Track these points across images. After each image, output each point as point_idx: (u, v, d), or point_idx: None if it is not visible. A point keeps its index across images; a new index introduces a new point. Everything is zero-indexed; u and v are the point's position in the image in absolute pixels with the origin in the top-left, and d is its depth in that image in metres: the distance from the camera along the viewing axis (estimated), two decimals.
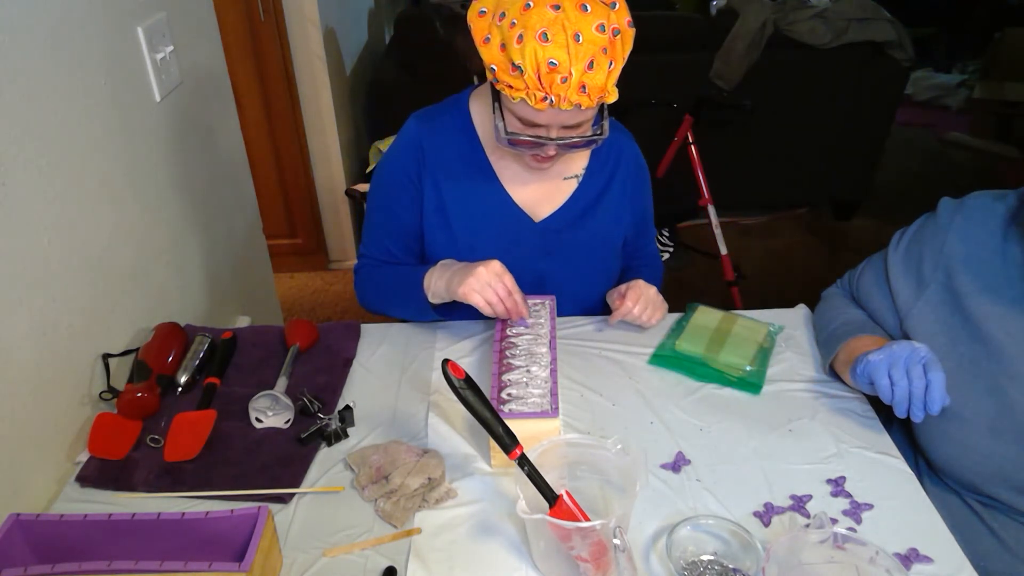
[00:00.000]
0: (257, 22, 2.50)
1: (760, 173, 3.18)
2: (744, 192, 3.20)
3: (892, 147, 3.31)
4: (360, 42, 3.27)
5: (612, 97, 1.03)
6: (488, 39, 1.01)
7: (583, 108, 1.02)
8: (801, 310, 1.33)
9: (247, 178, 1.84)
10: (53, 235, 1.04)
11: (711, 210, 2.66)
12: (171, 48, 1.38)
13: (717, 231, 2.64)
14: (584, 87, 0.99)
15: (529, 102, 1.01)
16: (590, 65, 0.97)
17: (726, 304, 1.55)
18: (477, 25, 1.03)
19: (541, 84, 0.98)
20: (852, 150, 3.13)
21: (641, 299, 1.22)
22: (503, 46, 0.99)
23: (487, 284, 1.09)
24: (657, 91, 2.71)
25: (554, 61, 0.96)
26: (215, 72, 1.65)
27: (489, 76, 1.05)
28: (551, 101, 1.00)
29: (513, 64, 0.98)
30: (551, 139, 1.07)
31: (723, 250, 2.64)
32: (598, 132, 1.10)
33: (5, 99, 0.94)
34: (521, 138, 1.08)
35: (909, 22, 3.03)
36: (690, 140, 2.69)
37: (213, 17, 1.64)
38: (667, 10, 3.84)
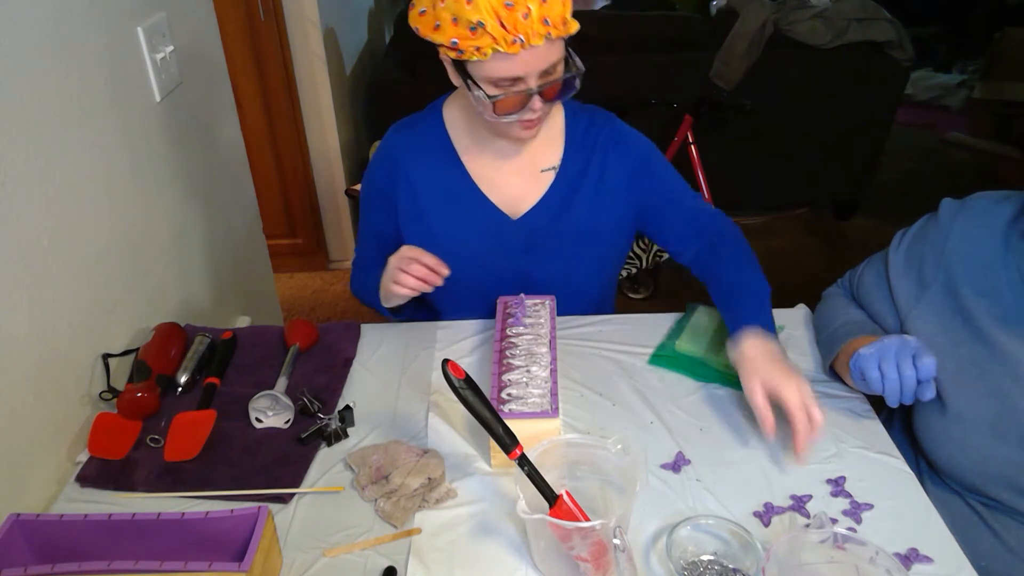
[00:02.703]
0: (257, 22, 2.50)
1: (760, 173, 3.18)
2: (744, 192, 3.20)
3: (892, 147, 3.31)
4: (360, 42, 3.27)
5: (573, 26, 1.05)
6: (438, 25, 1.02)
7: (553, 38, 1.03)
8: (801, 310, 1.33)
9: (247, 178, 1.84)
10: (53, 235, 1.04)
11: None
12: (171, 48, 1.38)
13: None
14: (546, 20, 1.01)
15: (501, 49, 1.01)
16: None
17: None
18: (423, 23, 1.04)
19: (506, 27, 1.00)
20: (852, 150, 3.13)
21: (803, 397, 0.97)
22: (455, 20, 1.00)
23: (395, 268, 1.13)
24: (657, 91, 2.71)
25: (509, 2, 0.98)
26: (215, 72, 1.65)
27: (453, 55, 1.05)
28: (521, 41, 1.01)
29: (472, 27, 0.99)
30: (532, 90, 1.07)
31: None
32: (574, 69, 1.10)
33: (5, 99, 0.94)
34: (505, 97, 1.07)
35: (909, 22, 3.02)
36: (690, 140, 2.69)
37: (213, 17, 1.64)
38: (667, 10, 3.84)
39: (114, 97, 1.21)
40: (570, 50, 1.10)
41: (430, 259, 1.11)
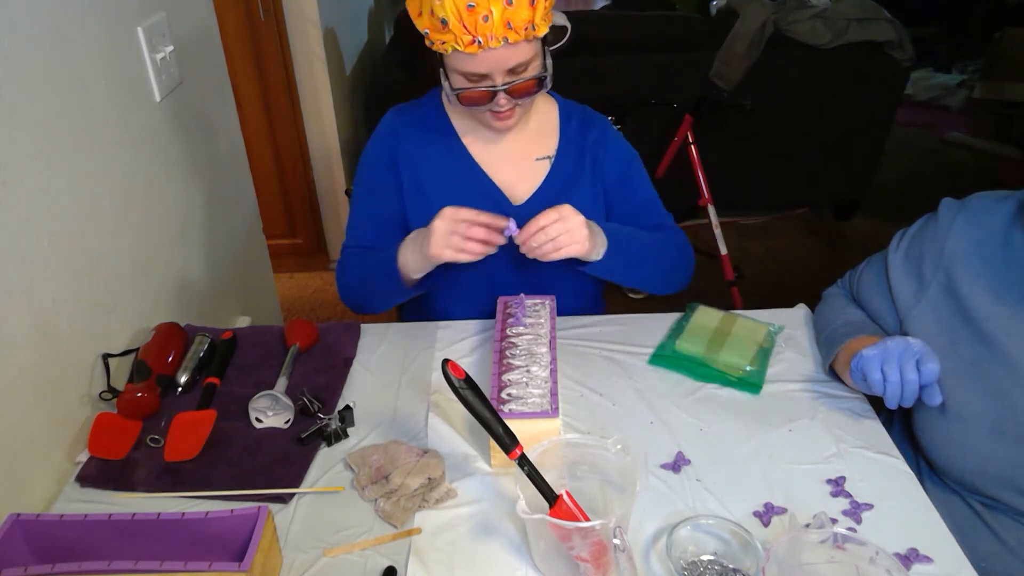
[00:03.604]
0: (257, 22, 2.50)
1: (760, 173, 3.18)
2: (744, 192, 3.20)
3: (892, 147, 3.30)
4: (360, 42, 3.27)
5: (542, 30, 1.06)
6: (420, 13, 1.06)
7: (512, 42, 1.04)
8: (801, 310, 1.33)
9: (247, 178, 1.84)
10: (53, 235, 1.04)
11: (711, 210, 2.66)
12: (171, 48, 1.38)
13: (717, 231, 2.64)
14: (509, 23, 1.02)
15: (459, 48, 1.04)
16: (509, 1, 1.01)
17: (726, 304, 1.55)
18: (412, 6, 1.07)
19: (465, 28, 1.02)
20: (852, 150, 3.13)
21: (555, 223, 1.05)
22: (431, 11, 1.03)
23: (448, 233, 1.05)
24: (657, 91, 2.71)
25: (472, 3, 1.00)
26: (215, 72, 1.65)
27: (427, 43, 1.09)
28: (479, 43, 1.03)
29: (440, 21, 1.02)
30: (497, 87, 1.09)
31: (723, 250, 2.64)
32: (544, 71, 1.12)
33: (6, 99, 0.94)
34: (469, 91, 1.10)
35: (909, 22, 3.02)
36: (690, 140, 2.69)
37: (213, 17, 1.64)
38: (667, 10, 3.84)
39: (114, 97, 1.20)
40: (546, 50, 1.12)
41: (485, 217, 1.05)
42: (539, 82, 1.12)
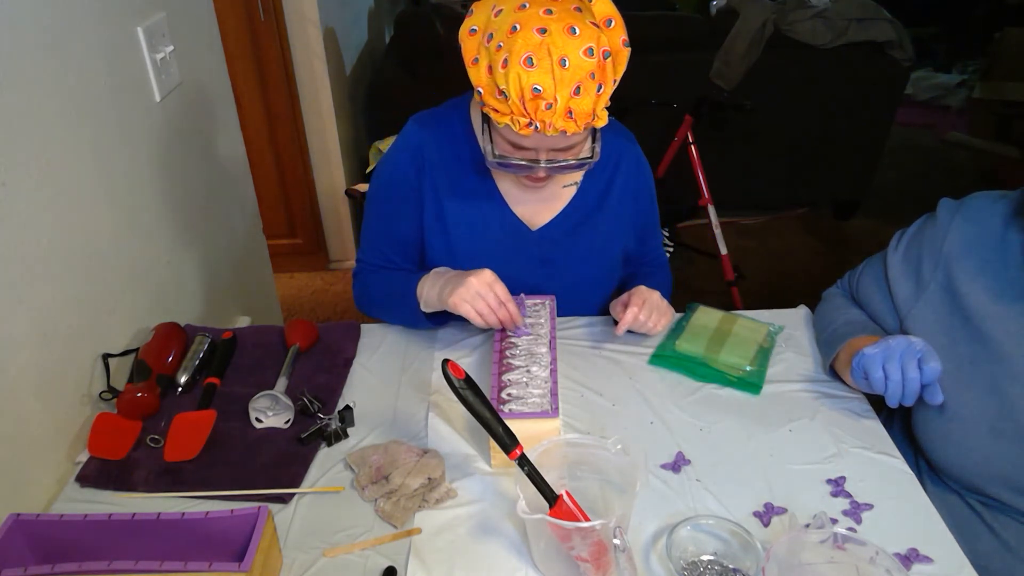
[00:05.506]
0: (257, 22, 2.50)
1: (760, 173, 3.18)
2: (744, 192, 3.20)
3: (892, 147, 3.31)
4: (360, 42, 3.27)
5: (601, 121, 1.01)
6: (476, 60, 1.00)
7: (569, 134, 1.00)
8: (801, 310, 1.33)
9: (247, 178, 1.84)
10: (53, 235, 1.04)
11: (711, 210, 2.66)
12: (171, 48, 1.38)
13: (717, 231, 2.64)
14: (571, 112, 0.97)
15: (513, 127, 0.99)
16: (576, 91, 0.95)
17: (726, 304, 1.55)
18: (467, 45, 1.01)
19: (525, 110, 0.96)
20: (852, 150, 3.13)
21: (645, 305, 1.17)
22: (490, 69, 0.97)
23: (477, 294, 1.07)
24: (657, 91, 2.71)
25: (538, 87, 0.94)
26: (215, 72, 1.65)
27: (477, 98, 1.03)
28: (536, 127, 0.98)
29: (498, 88, 0.97)
30: (539, 163, 1.05)
31: (723, 250, 2.64)
32: (588, 156, 1.08)
33: (5, 99, 0.94)
34: (509, 161, 1.07)
35: (909, 22, 3.03)
36: (690, 140, 2.69)
37: (213, 17, 1.64)
38: (667, 10, 3.84)
39: (114, 97, 1.20)
40: (597, 134, 1.07)
41: (512, 307, 1.10)
42: (583, 163, 1.08)
